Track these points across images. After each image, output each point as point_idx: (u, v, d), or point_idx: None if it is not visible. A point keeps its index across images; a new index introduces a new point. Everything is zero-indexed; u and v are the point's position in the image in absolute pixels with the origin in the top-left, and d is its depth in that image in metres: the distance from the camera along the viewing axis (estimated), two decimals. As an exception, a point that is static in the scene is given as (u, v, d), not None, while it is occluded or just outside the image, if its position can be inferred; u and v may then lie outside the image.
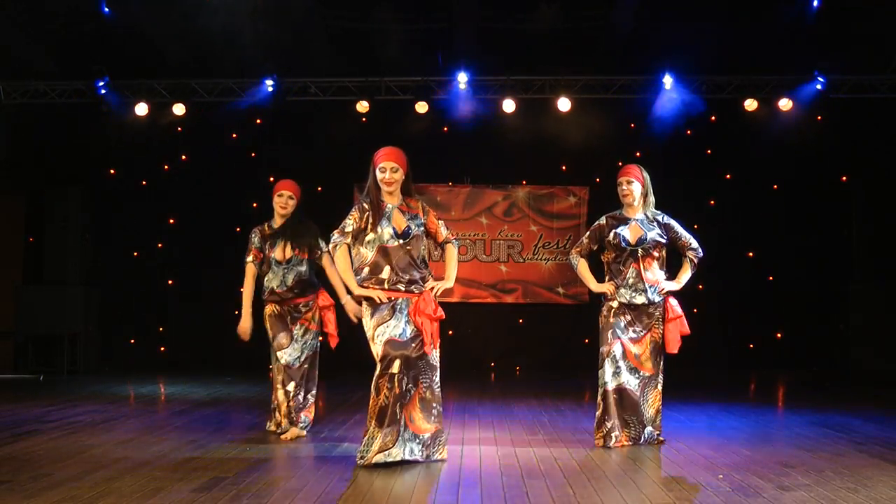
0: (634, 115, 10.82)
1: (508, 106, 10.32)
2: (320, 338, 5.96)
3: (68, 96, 10.48)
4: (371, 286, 4.77)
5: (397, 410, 4.67)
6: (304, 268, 5.83)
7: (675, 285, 5.48)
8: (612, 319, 5.43)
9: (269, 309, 5.84)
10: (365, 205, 4.85)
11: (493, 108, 10.48)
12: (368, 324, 4.79)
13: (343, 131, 10.65)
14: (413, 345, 4.73)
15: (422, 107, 10.29)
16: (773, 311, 11.39)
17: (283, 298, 5.78)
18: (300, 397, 5.76)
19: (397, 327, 4.73)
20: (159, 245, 11.57)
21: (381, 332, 4.72)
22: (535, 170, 11.64)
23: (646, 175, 5.53)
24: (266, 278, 5.84)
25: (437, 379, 4.88)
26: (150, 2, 9.21)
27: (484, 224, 11.72)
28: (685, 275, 5.51)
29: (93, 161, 11.27)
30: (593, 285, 5.59)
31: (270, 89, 10.22)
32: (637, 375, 5.41)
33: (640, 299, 5.41)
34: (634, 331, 5.42)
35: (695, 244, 5.53)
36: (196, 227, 11.44)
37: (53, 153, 11.07)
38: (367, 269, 4.81)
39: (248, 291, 5.81)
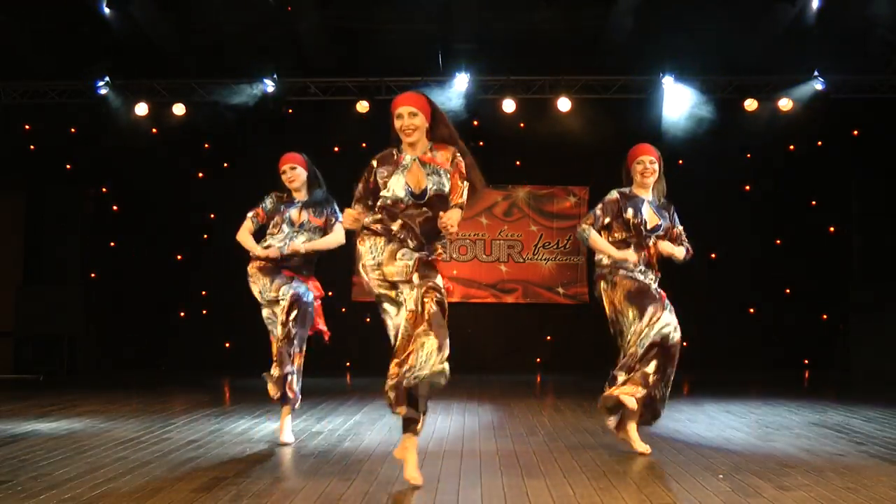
0: (634, 115, 10.82)
1: (508, 106, 10.31)
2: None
3: (68, 96, 10.49)
4: (374, 226, 4.36)
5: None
6: (315, 236, 5.56)
7: (679, 250, 5.19)
8: (644, 296, 5.06)
9: (254, 266, 5.48)
10: (373, 162, 4.51)
11: (493, 108, 10.48)
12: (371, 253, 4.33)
13: (343, 131, 10.65)
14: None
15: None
16: (773, 311, 11.39)
17: (275, 261, 5.45)
18: (286, 359, 5.30)
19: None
20: (159, 245, 11.56)
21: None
22: (535, 170, 11.65)
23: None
24: (269, 233, 5.57)
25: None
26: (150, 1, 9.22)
27: (484, 224, 11.72)
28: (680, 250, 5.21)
29: (93, 161, 11.28)
30: (614, 252, 5.14)
31: (270, 89, 10.22)
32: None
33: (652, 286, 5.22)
34: None
35: (686, 244, 5.25)
36: (196, 227, 11.43)
37: (53, 153, 11.08)
38: (378, 214, 4.38)
39: (247, 235, 5.56)
